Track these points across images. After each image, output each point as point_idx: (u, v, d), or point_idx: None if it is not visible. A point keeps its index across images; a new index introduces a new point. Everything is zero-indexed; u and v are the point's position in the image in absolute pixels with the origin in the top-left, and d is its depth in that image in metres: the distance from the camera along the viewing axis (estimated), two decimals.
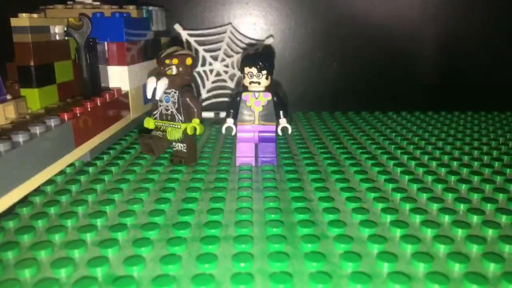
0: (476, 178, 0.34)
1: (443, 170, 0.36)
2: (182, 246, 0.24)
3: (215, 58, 0.56)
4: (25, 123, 0.32)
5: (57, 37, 0.41)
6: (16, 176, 0.26)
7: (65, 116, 0.33)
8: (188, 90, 0.37)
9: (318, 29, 0.59)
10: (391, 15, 0.59)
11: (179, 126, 0.36)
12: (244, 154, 0.38)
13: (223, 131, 0.38)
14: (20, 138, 0.28)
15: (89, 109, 0.36)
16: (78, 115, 0.35)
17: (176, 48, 0.37)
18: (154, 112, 0.37)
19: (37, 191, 0.32)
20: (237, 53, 0.56)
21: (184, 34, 0.55)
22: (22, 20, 0.37)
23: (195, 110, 0.36)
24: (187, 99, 0.36)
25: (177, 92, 0.36)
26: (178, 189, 0.33)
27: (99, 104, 0.38)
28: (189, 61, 0.36)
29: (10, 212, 0.28)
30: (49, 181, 0.33)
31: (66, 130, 0.33)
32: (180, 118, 0.36)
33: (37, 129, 0.29)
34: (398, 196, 0.31)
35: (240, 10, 0.59)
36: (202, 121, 0.37)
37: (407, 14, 0.59)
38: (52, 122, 0.31)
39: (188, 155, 0.37)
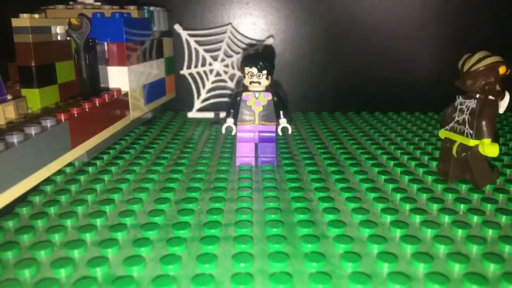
0: None
1: None
2: (182, 246, 0.24)
3: (215, 58, 0.56)
4: (22, 123, 0.32)
5: (59, 37, 0.41)
6: (10, 176, 0.26)
7: (62, 116, 0.32)
8: (491, 103, 0.31)
9: (318, 29, 0.59)
10: (390, 15, 0.59)
11: (467, 143, 0.32)
12: (244, 154, 0.38)
13: (223, 131, 0.38)
14: (15, 138, 0.27)
15: (86, 110, 0.36)
16: (75, 115, 0.34)
17: (480, 56, 0.31)
18: (447, 123, 0.34)
19: (37, 190, 0.32)
20: (237, 53, 0.56)
21: (184, 34, 0.55)
22: (23, 20, 0.37)
23: (485, 127, 0.31)
24: (483, 112, 0.31)
25: (475, 102, 0.31)
26: (178, 189, 0.33)
27: (97, 104, 0.38)
28: (502, 69, 0.31)
29: (10, 212, 0.28)
30: (49, 181, 0.33)
31: (62, 130, 0.32)
32: (471, 132, 0.31)
33: (32, 130, 0.29)
34: (398, 196, 0.31)
35: (240, 10, 0.59)
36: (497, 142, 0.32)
37: (407, 14, 0.59)
38: (48, 123, 0.31)
39: (476, 179, 0.32)
